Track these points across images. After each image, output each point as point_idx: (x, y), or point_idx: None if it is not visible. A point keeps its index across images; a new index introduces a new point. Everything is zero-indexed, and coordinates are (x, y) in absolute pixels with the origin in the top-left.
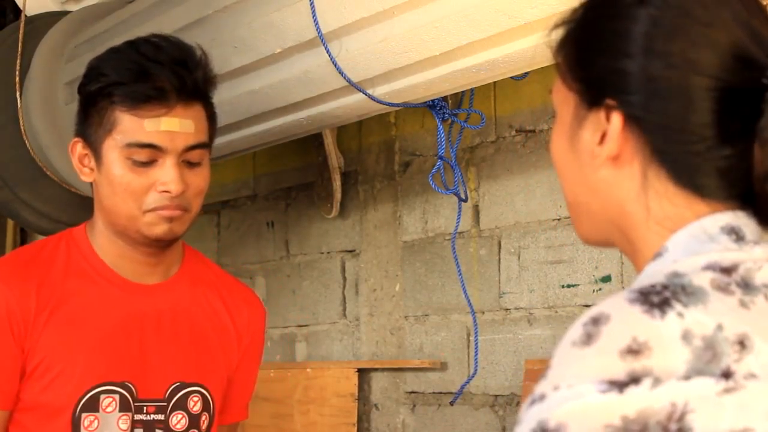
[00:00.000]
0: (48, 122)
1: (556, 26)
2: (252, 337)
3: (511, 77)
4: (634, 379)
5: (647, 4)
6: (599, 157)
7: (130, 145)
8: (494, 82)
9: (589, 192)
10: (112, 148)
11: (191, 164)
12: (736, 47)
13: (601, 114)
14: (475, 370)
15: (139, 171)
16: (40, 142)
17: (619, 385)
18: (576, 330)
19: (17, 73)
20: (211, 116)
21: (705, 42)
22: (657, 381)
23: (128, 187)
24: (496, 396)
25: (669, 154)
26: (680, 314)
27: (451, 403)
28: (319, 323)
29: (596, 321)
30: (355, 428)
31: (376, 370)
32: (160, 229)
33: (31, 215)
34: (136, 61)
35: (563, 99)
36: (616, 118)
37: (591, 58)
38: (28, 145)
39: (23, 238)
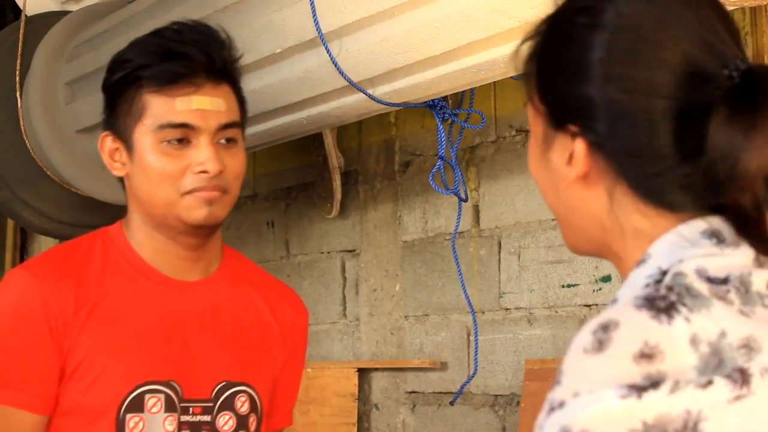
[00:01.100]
0: (48, 122)
1: (523, 42)
2: (296, 339)
3: (511, 77)
4: (653, 384)
5: (601, 28)
6: (568, 177)
7: (162, 127)
8: (494, 82)
9: (566, 207)
10: (144, 134)
11: (226, 145)
12: (688, 63)
13: (567, 136)
14: (475, 370)
15: (174, 154)
16: (40, 142)
17: (638, 390)
18: (585, 337)
19: (17, 73)
20: (240, 99)
21: (658, 63)
22: (675, 385)
23: (163, 171)
24: (496, 396)
25: (633, 177)
26: (687, 319)
27: (451, 403)
28: (319, 323)
29: (605, 328)
30: (355, 428)
31: (376, 370)
32: (200, 213)
33: (31, 215)
34: (160, 44)
35: (534, 117)
36: (579, 144)
37: (552, 83)
38: (28, 145)
39: (23, 238)
